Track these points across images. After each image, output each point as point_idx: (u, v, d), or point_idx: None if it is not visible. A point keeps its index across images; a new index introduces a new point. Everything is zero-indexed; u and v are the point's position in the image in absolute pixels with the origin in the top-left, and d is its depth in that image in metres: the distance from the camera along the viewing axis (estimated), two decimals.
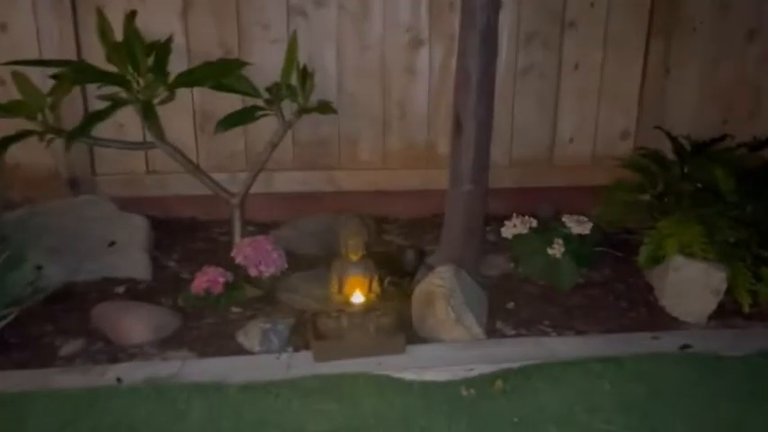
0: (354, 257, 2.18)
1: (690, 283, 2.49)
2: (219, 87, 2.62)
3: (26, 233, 2.45)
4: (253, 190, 3.03)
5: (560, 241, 2.56)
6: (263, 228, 2.97)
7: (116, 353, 2.16)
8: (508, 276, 2.70)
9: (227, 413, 1.88)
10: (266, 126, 2.77)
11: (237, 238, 2.80)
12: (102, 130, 2.50)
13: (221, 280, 2.35)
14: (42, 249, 2.49)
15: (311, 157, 3.24)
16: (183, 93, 2.92)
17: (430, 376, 2.11)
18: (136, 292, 2.50)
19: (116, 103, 2.26)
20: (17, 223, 2.61)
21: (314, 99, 2.68)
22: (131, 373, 2.04)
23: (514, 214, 2.74)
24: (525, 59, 3.23)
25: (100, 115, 2.24)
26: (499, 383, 2.08)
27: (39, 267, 2.46)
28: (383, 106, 3.20)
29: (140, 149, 2.76)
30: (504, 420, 1.92)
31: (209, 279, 2.33)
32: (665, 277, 2.57)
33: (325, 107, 2.60)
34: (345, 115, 3.13)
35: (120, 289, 2.51)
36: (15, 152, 2.87)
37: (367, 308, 2.17)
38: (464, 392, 2.05)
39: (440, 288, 2.34)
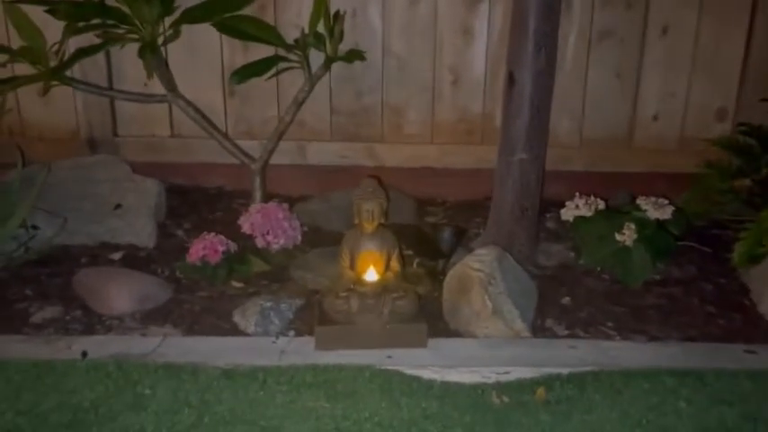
0: (369, 227, 1.81)
1: None
2: (241, 35, 2.31)
3: (28, 191, 2.21)
4: (285, 161, 2.73)
5: (632, 226, 2.08)
6: (291, 202, 2.64)
7: (93, 324, 1.88)
8: (567, 267, 2.25)
9: (195, 402, 1.54)
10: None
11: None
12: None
13: (220, 248, 2.03)
14: (42, 208, 2.25)
15: (351, 128, 2.87)
16: (209, 50, 2.66)
17: (454, 377, 1.71)
18: (133, 260, 2.21)
19: (109, 40, 1.99)
20: (23, 181, 2.38)
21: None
22: (101, 347, 1.75)
23: (577, 194, 2.28)
24: (602, 21, 2.75)
25: (87, 51, 1.98)
26: (541, 392, 1.65)
27: (34, 227, 2.22)
28: (433, 71, 2.80)
29: (148, 102, 2.48)
30: None
31: (206, 247, 2.01)
32: (766, 279, 2.05)
33: (352, 54, 2.25)
34: (391, 81, 2.77)
35: (117, 255, 2.23)
36: (37, 111, 2.75)
37: (382, 288, 1.79)
38: (495, 399, 1.63)
39: (477, 273, 1.93)
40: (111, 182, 2.48)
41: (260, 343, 1.82)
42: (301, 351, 1.77)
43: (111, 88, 2.43)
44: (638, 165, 2.87)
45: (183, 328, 1.87)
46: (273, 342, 1.82)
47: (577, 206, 2.23)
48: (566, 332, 1.94)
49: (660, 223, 2.14)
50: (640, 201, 2.19)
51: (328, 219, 2.49)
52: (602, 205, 2.23)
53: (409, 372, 1.70)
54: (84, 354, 1.70)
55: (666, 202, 2.17)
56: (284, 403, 1.55)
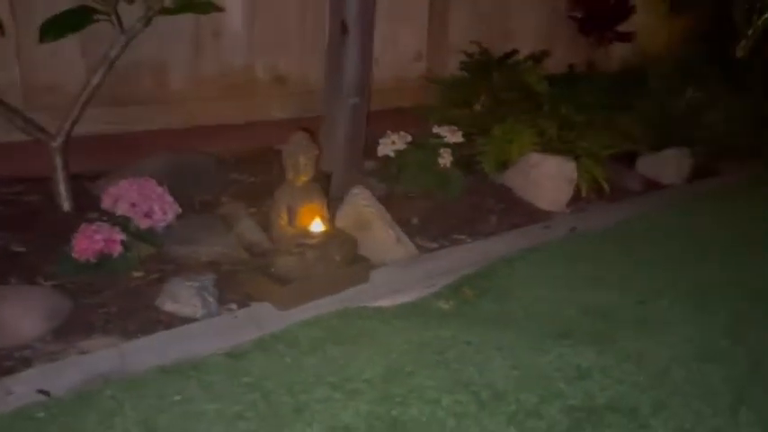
0: (305, 180, 1.82)
1: (548, 177, 2.72)
2: None
3: None
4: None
5: (448, 151, 2.53)
6: (80, 180, 2.26)
7: None
8: (391, 195, 2.57)
9: (248, 384, 1.41)
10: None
11: (64, 194, 2.09)
12: None
13: (118, 237, 1.72)
14: None
15: (116, 90, 2.54)
16: None
17: (402, 299, 1.92)
18: None
19: None
20: None
21: None
22: (56, 380, 1.38)
23: (388, 132, 2.60)
24: None
25: None
26: (467, 291, 1.99)
27: None
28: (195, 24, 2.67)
29: None
30: (509, 317, 1.84)
31: (104, 238, 1.68)
32: (525, 175, 2.76)
33: (204, 4, 2.04)
34: (149, 36, 2.53)
35: None
36: None
37: (328, 237, 1.84)
38: (444, 305, 1.91)
39: (370, 209, 2.12)
40: None
41: (224, 322, 1.69)
42: (272, 317, 1.72)
43: None
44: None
45: (119, 333, 1.58)
46: (236, 318, 1.71)
47: (393, 141, 2.55)
48: (436, 245, 2.30)
49: (458, 146, 2.63)
50: (437, 129, 2.63)
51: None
52: (409, 138, 2.60)
53: (373, 304, 1.84)
54: (45, 392, 1.33)
55: (456, 128, 2.66)
56: (323, 359, 1.54)
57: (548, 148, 2.85)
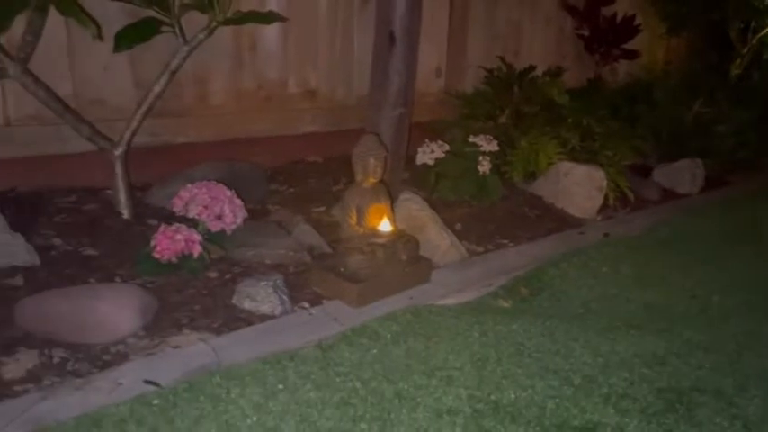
0: (374, 182, 1.87)
1: (579, 185, 2.81)
2: None
3: None
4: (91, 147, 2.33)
5: (487, 159, 2.61)
6: (137, 190, 2.30)
7: (96, 356, 1.45)
8: (430, 202, 2.61)
9: (343, 374, 1.45)
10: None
11: (124, 201, 2.12)
12: None
13: (197, 239, 1.76)
14: None
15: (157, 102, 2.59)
16: None
17: (464, 297, 1.98)
18: (41, 282, 1.69)
19: None
20: None
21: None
22: (159, 374, 1.41)
23: (427, 141, 2.68)
24: None
25: None
26: (523, 290, 2.06)
27: None
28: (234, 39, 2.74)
29: None
30: (571, 312, 1.91)
31: (185, 239, 1.71)
32: (555, 184, 2.85)
33: (271, 15, 2.10)
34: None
35: (18, 280, 1.66)
36: None
37: (395, 237, 1.90)
38: (505, 304, 1.97)
39: (424, 213, 2.19)
40: None
41: (301, 318, 1.73)
42: (343, 313, 1.77)
43: None
44: None
45: (206, 328, 1.61)
46: (311, 315, 1.75)
47: (432, 150, 2.62)
48: (481, 248, 2.36)
49: (494, 154, 2.71)
50: (474, 139, 2.71)
51: None
52: (447, 147, 2.68)
53: (439, 302, 1.89)
54: (154, 382, 1.36)
55: (491, 137, 2.74)
56: (408, 351, 1.58)
57: (572, 158, 2.95)
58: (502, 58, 3.40)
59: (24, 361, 1.40)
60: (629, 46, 4.22)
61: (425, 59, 3.50)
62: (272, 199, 2.53)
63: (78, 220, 2.08)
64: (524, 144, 2.99)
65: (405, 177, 2.74)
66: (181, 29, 2.09)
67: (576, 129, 3.11)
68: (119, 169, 2.10)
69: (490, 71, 3.44)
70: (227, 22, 2.06)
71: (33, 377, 1.37)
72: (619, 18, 4.09)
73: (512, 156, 2.99)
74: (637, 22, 4.12)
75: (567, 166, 2.84)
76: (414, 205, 2.20)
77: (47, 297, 1.52)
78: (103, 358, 1.45)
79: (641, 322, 1.82)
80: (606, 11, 4.15)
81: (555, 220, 2.71)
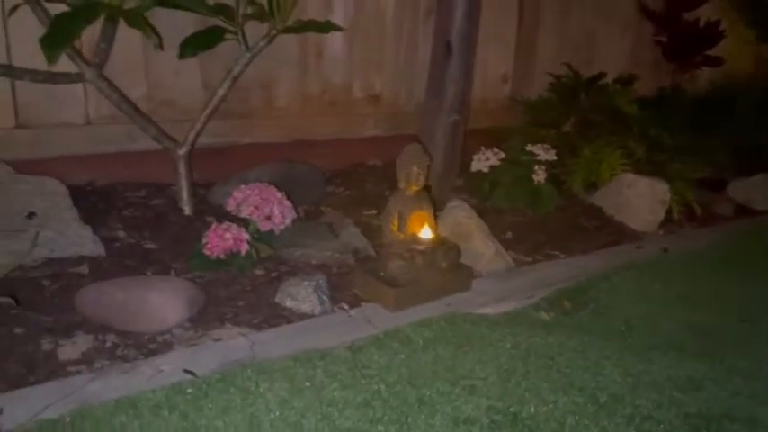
0: (417, 189, 1.92)
1: (641, 198, 2.74)
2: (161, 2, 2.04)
3: None
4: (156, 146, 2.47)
5: (543, 168, 2.59)
6: (194, 187, 2.42)
7: (144, 344, 1.57)
8: (482, 210, 2.63)
9: (371, 375, 1.50)
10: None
11: (186, 199, 2.26)
12: None
13: (245, 237, 1.86)
14: None
15: (225, 105, 2.72)
16: None
17: (503, 308, 1.98)
18: (103, 271, 1.84)
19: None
20: None
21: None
22: (195, 364, 1.50)
23: (483, 147, 2.69)
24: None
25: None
26: (566, 303, 2.04)
27: None
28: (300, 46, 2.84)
29: (58, 83, 2.00)
30: (611, 329, 1.88)
31: (234, 237, 1.82)
32: (617, 195, 2.79)
33: (328, 25, 2.19)
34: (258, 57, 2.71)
35: (83, 269, 1.82)
36: None
37: (436, 244, 1.93)
38: (545, 316, 1.96)
39: (471, 221, 2.21)
40: None
41: (338, 319, 1.80)
42: (382, 317, 1.81)
43: (10, 66, 1.88)
44: None
45: (247, 324, 1.71)
46: (350, 316, 1.81)
47: (488, 158, 2.63)
48: (529, 258, 2.36)
49: (551, 164, 2.69)
50: (531, 147, 2.70)
51: None
52: (502, 155, 2.68)
53: (477, 311, 1.91)
54: (191, 372, 1.46)
55: (549, 146, 2.72)
56: (437, 358, 1.62)
57: (637, 169, 2.88)
58: (568, 65, 3.35)
59: (80, 344, 1.53)
60: (712, 53, 4.06)
61: (491, 65, 3.51)
62: (327, 201, 2.61)
63: (144, 214, 2.23)
64: (587, 153, 2.95)
65: (459, 184, 2.76)
66: (244, 37, 2.20)
67: (643, 139, 3.04)
68: (182, 168, 2.23)
69: (558, 78, 3.40)
70: (286, 30, 2.15)
71: (86, 359, 1.49)
72: (701, 23, 3.94)
73: (573, 165, 2.96)
74: (721, 27, 3.96)
75: (629, 177, 2.78)
76: (461, 213, 2.22)
77: (105, 286, 1.66)
78: (149, 346, 1.57)
79: (683, 343, 1.77)
80: (688, 16, 4.00)
81: (613, 233, 2.66)
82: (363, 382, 1.49)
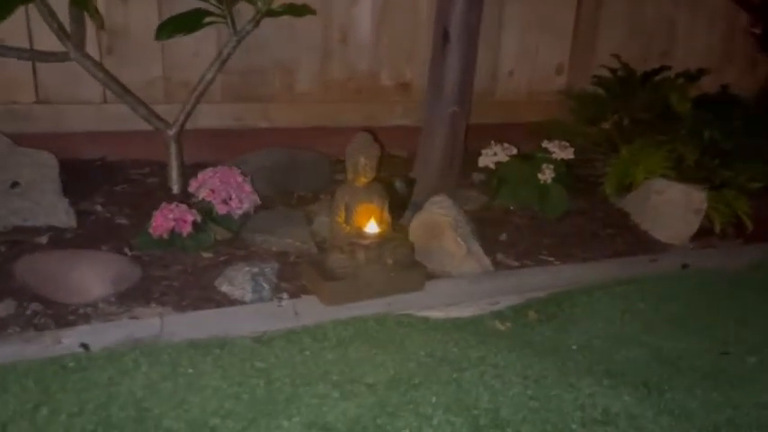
0: (365, 181, 1.84)
1: (672, 205, 2.46)
2: None
3: None
4: None
5: (551, 166, 2.39)
6: (194, 169, 2.48)
7: (63, 314, 1.64)
8: (488, 208, 2.50)
9: (260, 370, 1.47)
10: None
11: (175, 178, 2.32)
12: None
13: (190, 218, 1.89)
14: None
15: (243, 89, 2.77)
16: None
17: (456, 313, 1.85)
18: (63, 242, 1.94)
19: None
20: None
21: None
22: (98, 336, 1.55)
23: (492, 142, 2.54)
24: None
25: None
26: (533, 314, 1.87)
27: None
28: (323, 31, 2.81)
29: (46, 61, 2.15)
30: (560, 347, 1.71)
31: (176, 218, 1.86)
32: (645, 201, 2.52)
33: (303, 8, 2.17)
34: (279, 40, 2.71)
35: (43, 239, 1.93)
36: None
37: (383, 239, 1.85)
38: (500, 327, 1.81)
39: (445, 218, 2.08)
40: None
41: (267, 309, 1.77)
42: (313, 310, 1.77)
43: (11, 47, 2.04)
44: (497, 116, 3.22)
45: (172, 305, 1.73)
46: (279, 306, 1.78)
47: (495, 153, 2.47)
48: (516, 263, 2.19)
49: (566, 163, 2.48)
50: (546, 144, 2.50)
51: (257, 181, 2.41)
52: (514, 151, 2.51)
53: (419, 313, 1.81)
54: (85, 346, 1.50)
55: (567, 144, 2.51)
56: (340, 357, 1.55)
57: (683, 174, 2.58)
58: (617, 57, 3.06)
59: (3, 309, 1.63)
60: None
61: (543, 54, 3.30)
62: (329, 188, 2.58)
63: (135, 190, 2.33)
64: (624, 154, 2.68)
65: (478, 180, 2.63)
66: (232, 19, 2.21)
67: (695, 142, 2.71)
68: (172, 148, 2.30)
69: (613, 71, 3.12)
70: (268, 13, 2.14)
71: (2, 324, 1.58)
72: None
73: (609, 166, 2.71)
74: None
75: (660, 182, 2.49)
76: (438, 209, 2.10)
77: (43, 256, 1.75)
78: (68, 318, 1.63)
79: (629, 372, 1.56)
80: None
81: (630, 243, 2.41)
82: (248, 374, 1.46)
